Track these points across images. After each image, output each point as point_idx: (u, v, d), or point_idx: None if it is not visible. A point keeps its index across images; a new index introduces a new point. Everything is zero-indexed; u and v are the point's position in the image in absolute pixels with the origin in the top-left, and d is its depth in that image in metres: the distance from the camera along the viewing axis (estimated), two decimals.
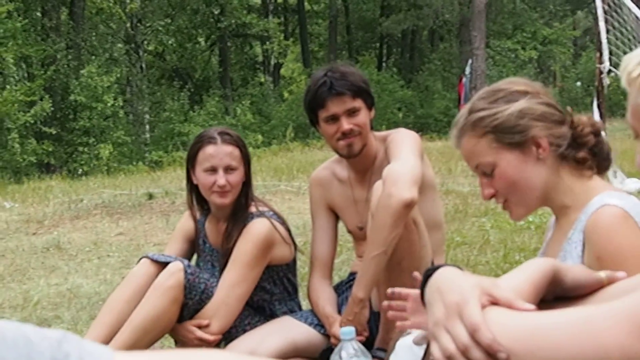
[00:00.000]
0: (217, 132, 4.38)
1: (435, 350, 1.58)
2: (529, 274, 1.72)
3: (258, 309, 4.46)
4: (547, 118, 2.78)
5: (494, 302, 1.58)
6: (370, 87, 4.36)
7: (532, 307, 1.58)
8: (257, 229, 4.30)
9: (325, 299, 4.40)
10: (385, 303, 2.91)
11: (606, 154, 2.91)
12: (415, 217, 3.95)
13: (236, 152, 4.35)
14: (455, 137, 2.90)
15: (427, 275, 1.73)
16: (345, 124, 4.17)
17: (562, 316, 1.51)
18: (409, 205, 3.80)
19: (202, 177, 4.34)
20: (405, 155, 4.05)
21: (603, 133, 2.91)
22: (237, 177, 4.34)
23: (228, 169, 4.30)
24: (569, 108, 2.92)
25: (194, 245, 4.69)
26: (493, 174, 2.82)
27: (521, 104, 2.76)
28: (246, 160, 4.42)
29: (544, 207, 2.97)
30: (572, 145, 2.82)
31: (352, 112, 4.19)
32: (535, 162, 2.78)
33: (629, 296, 1.50)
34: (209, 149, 4.32)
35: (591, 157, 2.84)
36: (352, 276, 4.60)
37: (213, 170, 4.30)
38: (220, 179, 4.28)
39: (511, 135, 2.75)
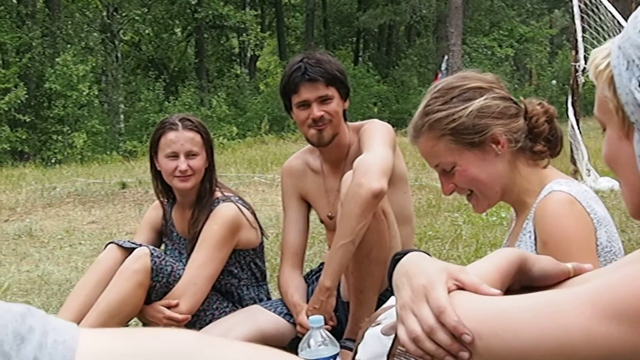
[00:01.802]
0: (178, 119, 4.43)
1: (401, 332, 1.60)
2: (496, 262, 1.73)
3: (226, 293, 4.49)
4: (504, 114, 2.79)
5: (461, 287, 1.60)
6: (346, 77, 4.36)
7: (498, 292, 1.60)
8: (224, 211, 4.34)
9: (294, 288, 4.41)
10: None
11: (559, 139, 2.93)
12: (384, 208, 3.96)
13: (197, 137, 4.40)
14: (413, 137, 2.90)
15: (396, 260, 1.75)
16: (316, 111, 4.18)
17: (526, 299, 1.53)
18: (377, 196, 3.81)
19: (164, 163, 4.39)
20: (376, 146, 4.06)
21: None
22: (198, 162, 4.38)
23: (189, 155, 4.35)
24: (521, 97, 2.94)
25: (161, 235, 4.72)
26: (453, 172, 2.83)
27: (478, 102, 2.76)
28: (208, 146, 4.46)
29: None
30: (529, 137, 2.84)
31: (324, 100, 4.20)
32: (494, 158, 2.80)
33: (591, 281, 1.52)
34: (170, 135, 4.37)
35: (547, 145, 2.86)
36: (322, 266, 4.61)
37: (174, 155, 4.36)
38: (182, 164, 4.33)
39: (470, 136, 2.76)
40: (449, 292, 1.58)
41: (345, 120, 4.36)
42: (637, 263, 1.44)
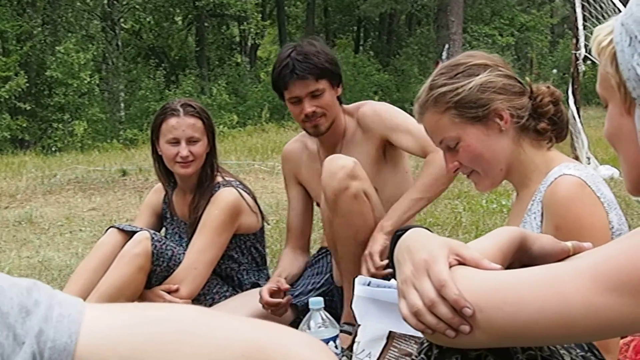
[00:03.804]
0: (179, 104, 4.43)
1: (402, 307, 1.60)
2: (496, 239, 1.73)
3: (226, 278, 4.51)
4: (508, 90, 2.80)
5: (462, 262, 1.60)
6: (337, 64, 4.34)
7: (499, 266, 1.60)
8: (225, 196, 4.35)
9: (284, 264, 4.47)
10: None
11: (565, 123, 2.94)
12: (366, 189, 3.96)
13: (199, 123, 4.40)
14: (418, 113, 2.93)
15: (397, 236, 1.75)
16: (308, 107, 4.18)
17: (526, 272, 1.54)
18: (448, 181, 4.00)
19: (165, 149, 4.40)
20: (412, 124, 4.08)
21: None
22: (200, 148, 4.39)
23: (191, 141, 4.36)
24: (527, 79, 2.94)
25: (162, 219, 4.72)
26: (457, 148, 2.84)
27: (481, 77, 2.78)
28: (210, 131, 4.47)
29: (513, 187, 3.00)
30: (533, 116, 2.85)
31: (315, 95, 4.19)
32: (497, 134, 2.81)
33: (591, 253, 1.52)
34: (172, 121, 4.38)
35: (551, 126, 2.87)
36: (321, 250, 4.63)
37: (176, 141, 4.36)
38: (183, 150, 4.33)
39: (474, 110, 2.78)
40: (450, 267, 1.58)
41: (341, 104, 4.36)
42: (636, 236, 1.43)
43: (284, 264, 4.47)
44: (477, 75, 2.79)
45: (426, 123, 2.90)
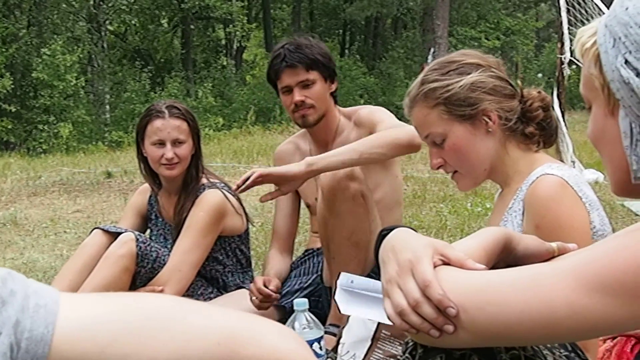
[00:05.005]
0: (165, 106, 4.43)
1: (387, 306, 1.61)
2: (481, 239, 1.74)
3: (211, 279, 4.51)
4: (498, 92, 2.82)
5: (446, 262, 1.61)
6: (330, 59, 4.41)
7: (483, 267, 1.61)
8: (209, 198, 4.36)
9: (272, 265, 4.49)
10: None
11: (554, 129, 2.96)
12: (363, 191, 3.98)
13: (184, 125, 4.41)
14: (408, 107, 2.94)
15: (382, 235, 1.76)
16: (297, 95, 4.26)
17: (510, 273, 1.55)
18: (414, 148, 3.87)
19: (150, 150, 4.40)
20: (392, 121, 4.14)
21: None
22: (185, 150, 4.40)
23: (176, 142, 4.37)
24: (519, 82, 2.96)
25: (146, 220, 4.72)
26: (443, 145, 2.86)
27: (473, 77, 2.80)
28: (195, 133, 4.48)
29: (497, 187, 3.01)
30: (521, 120, 2.87)
31: (305, 84, 4.27)
32: (484, 135, 2.83)
33: (575, 255, 1.53)
34: (157, 123, 4.38)
35: (539, 131, 2.89)
36: (306, 252, 4.64)
37: (161, 143, 4.37)
38: (168, 152, 4.34)
39: (462, 108, 2.79)
40: (435, 267, 1.59)
41: (336, 103, 4.39)
42: (620, 237, 1.44)
43: (275, 264, 4.49)
44: (469, 74, 2.81)
45: (414, 117, 2.92)
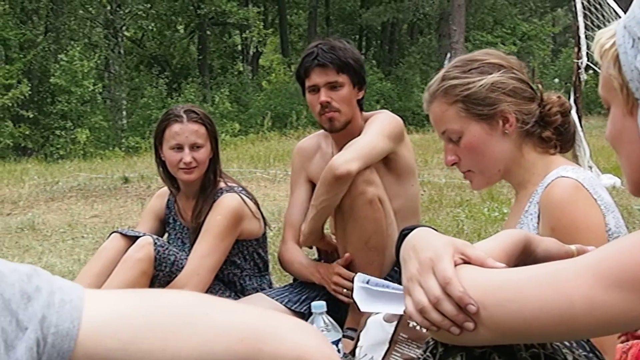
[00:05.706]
0: (183, 110, 4.44)
1: (408, 304, 1.62)
2: (501, 241, 1.75)
3: (229, 283, 4.51)
4: (518, 94, 2.82)
5: (467, 261, 1.63)
6: (362, 66, 4.40)
7: (503, 265, 1.62)
8: (227, 202, 4.36)
9: (301, 256, 4.49)
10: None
11: (571, 134, 2.96)
12: (380, 196, 4.00)
13: (202, 129, 4.42)
14: (427, 101, 2.96)
15: (403, 234, 1.77)
16: (323, 96, 4.22)
17: (530, 270, 1.56)
18: (340, 178, 3.93)
19: (168, 155, 4.41)
20: (370, 133, 4.16)
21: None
22: (203, 154, 4.41)
23: (194, 147, 4.38)
24: (539, 86, 2.96)
25: (164, 224, 4.73)
26: (458, 143, 2.87)
27: (494, 77, 2.80)
28: (213, 137, 4.48)
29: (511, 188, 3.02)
30: (539, 123, 2.87)
31: (333, 86, 4.24)
32: (501, 136, 2.83)
33: (594, 252, 1.54)
34: (175, 127, 4.39)
35: (556, 136, 2.89)
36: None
37: (179, 147, 4.37)
38: (186, 156, 4.34)
39: (480, 107, 2.80)
40: (455, 265, 1.60)
41: (361, 110, 4.38)
42: (639, 234, 1.45)
43: (304, 257, 4.52)
44: (490, 74, 2.81)
45: (433, 111, 2.93)
